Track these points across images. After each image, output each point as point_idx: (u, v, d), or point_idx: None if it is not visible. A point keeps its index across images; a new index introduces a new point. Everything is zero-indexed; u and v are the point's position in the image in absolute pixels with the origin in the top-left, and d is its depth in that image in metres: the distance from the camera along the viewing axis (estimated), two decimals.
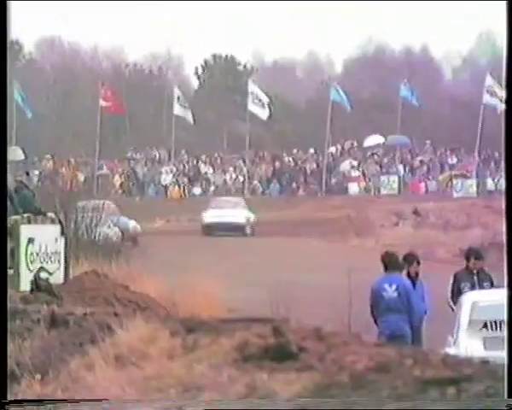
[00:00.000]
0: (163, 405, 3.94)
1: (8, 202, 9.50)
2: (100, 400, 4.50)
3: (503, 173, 36.50)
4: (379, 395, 3.59)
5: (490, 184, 36.45)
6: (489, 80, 36.13)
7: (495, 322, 8.92)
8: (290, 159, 40.07)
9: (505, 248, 4.39)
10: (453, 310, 9.82)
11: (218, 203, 31.31)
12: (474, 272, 10.16)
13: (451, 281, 10.26)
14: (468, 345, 8.71)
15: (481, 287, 10.03)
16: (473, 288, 10.03)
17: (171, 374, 4.59)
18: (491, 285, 10.11)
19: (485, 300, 9.37)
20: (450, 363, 3.78)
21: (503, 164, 37.37)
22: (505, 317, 9.35)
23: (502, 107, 35.59)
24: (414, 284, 9.72)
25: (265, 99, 37.74)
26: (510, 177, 4.31)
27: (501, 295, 9.51)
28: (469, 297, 9.55)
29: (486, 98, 35.78)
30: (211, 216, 30.22)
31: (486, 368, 3.66)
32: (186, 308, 10.49)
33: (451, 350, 8.70)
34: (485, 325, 8.91)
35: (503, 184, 38.58)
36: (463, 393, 3.40)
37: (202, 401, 3.81)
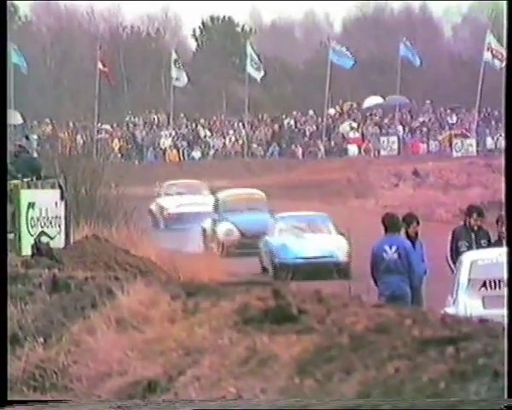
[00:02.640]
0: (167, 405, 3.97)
1: (9, 166, 9.48)
2: (103, 400, 4.54)
3: (502, 132, 36.48)
4: (379, 356, 3.62)
5: (489, 142, 36.36)
6: (490, 37, 35.86)
7: (494, 281, 8.97)
8: (289, 121, 39.93)
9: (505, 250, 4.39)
10: (451, 269, 9.84)
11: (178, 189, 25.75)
12: (474, 229, 10.12)
13: (450, 238, 10.21)
14: (468, 304, 8.77)
15: (479, 245, 10.02)
16: (471, 246, 10.01)
17: (171, 337, 4.62)
18: (489, 243, 10.11)
19: (484, 258, 9.40)
20: (449, 322, 3.81)
21: (503, 121, 37.29)
22: (504, 275, 9.38)
23: (502, 64, 35.39)
24: (413, 244, 9.73)
25: (259, 61, 37.63)
26: (510, 172, 4.30)
27: (499, 253, 9.57)
28: (468, 256, 9.58)
29: (487, 56, 35.52)
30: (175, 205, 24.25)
31: (485, 327, 3.69)
32: (187, 272, 10.54)
33: (451, 310, 8.76)
34: (484, 284, 8.95)
35: (502, 142, 38.58)
36: (462, 352, 3.43)
37: (197, 401, 3.84)
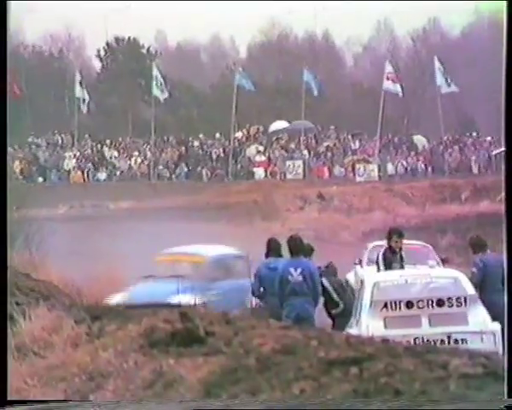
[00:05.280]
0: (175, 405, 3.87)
1: None
2: (105, 401, 4.39)
3: (402, 158, 37.56)
4: (284, 377, 3.65)
5: (390, 168, 37.40)
6: (388, 67, 37.04)
7: (395, 302, 9.20)
8: (196, 144, 39.97)
9: (505, 251, 4.50)
10: None
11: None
12: (396, 250, 10.37)
13: (381, 260, 10.39)
14: (370, 325, 8.95)
15: (402, 266, 10.28)
16: (393, 267, 10.25)
17: (74, 362, 4.53)
18: (413, 265, 10.40)
19: (386, 280, 9.64)
20: (353, 343, 3.88)
21: (403, 148, 38.43)
22: (405, 296, 9.65)
23: (399, 92, 36.50)
24: (396, 256, 10.03)
25: (164, 84, 37.67)
26: (510, 172, 4.42)
27: (400, 275, 9.83)
28: (371, 278, 9.80)
29: (387, 84, 36.64)
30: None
31: (387, 347, 3.78)
32: (91, 296, 10.34)
33: (353, 330, 8.92)
34: (385, 305, 9.17)
35: (401, 168, 39.64)
36: (365, 372, 3.50)
37: (205, 402, 3.76)
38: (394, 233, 10.51)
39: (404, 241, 10.55)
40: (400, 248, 10.36)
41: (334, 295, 10.24)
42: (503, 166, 4.54)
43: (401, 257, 10.34)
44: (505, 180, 4.42)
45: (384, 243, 10.63)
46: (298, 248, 9.50)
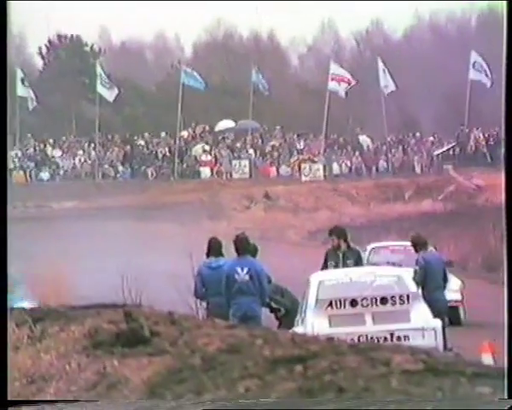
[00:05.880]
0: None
1: None
2: (106, 402, 4.29)
3: (346, 158, 37.95)
4: (229, 376, 3.65)
5: (335, 167, 37.75)
6: (333, 67, 37.38)
7: (339, 300, 9.29)
8: (142, 142, 39.69)
9: (505, 251, 4.53)
10: None
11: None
12: (341, 249, 10.46)
13: (323, 259, 10.51)
14: (315, 323, 9.02)
15: (345, 265, 10.35)
16: (337, 265, 10.33)
17: (15, 366, 4.46)
18: (356, 263, 10.47)
19: (330, 279, 9.72)
20: (298, 341, 3.91)
21: (348, 148, 38.84)
22: (349, 294, 9.76)
23: (343, 93, 36.91)
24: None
25: (110, 81, 37.28)
26: (510, 174, 4.44)
27: (345, 273, 9.92)
28: (316, 277, 9.87)
29: (332, 85, 36.97)
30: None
31: (331, 345, 3.81)
32: (34, 297, 10.18)
33: (299, 329, 8.98)
34: (330, 304, 9.25)
35: (346, 168, 40.00)
36: (310, 370, 3.53)
37: (202, 402, 3.70)
38: (333, 233, 10.64)
39: (390, 242, 10.46)
40: (339, 247, 10.45)
41: (273, 304, 10.28)
42: (503, 169, 4.61)
43: (344, 256, 10.43)
44: (505, 180, 4.48)
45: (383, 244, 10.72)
46: (244, 247, 9.51)
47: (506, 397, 3.38)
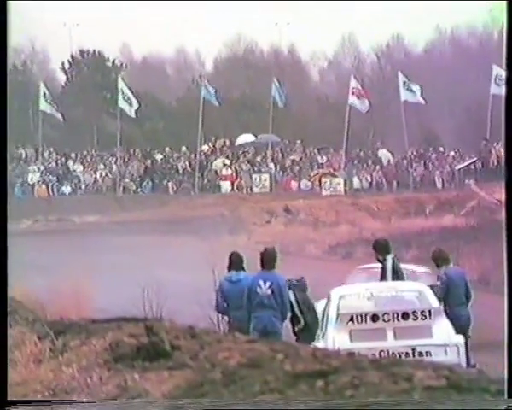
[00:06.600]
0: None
1: None
2: (107, 402, 4.31)
3: (366, 173, 37.87)
4: (250, 390, 3.64)
5: (356, 182, 37.66)
6: (353, 82, 37.36)
7: (361, 315, 9.24)
8: (162, 157, 39.85)
9: (505, 255, 4.51)
10: None
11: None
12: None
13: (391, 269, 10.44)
14: (336, 338, 8.98)
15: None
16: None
17: (37, 379, 4.47)
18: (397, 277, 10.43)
19: (351, 293, 9.68)
20: (319, 356, 3.88)
21: (369, 163, 38.80)
22: (370, 309, 9.73)
23: (366, 108, 36.87)
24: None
25: (132, 96, 37.56)
26: (510, 180, 4.43)
27: (366, 288, 9.88)
28: (337, 291, 9.83)
29: (352, 99, 36.94)
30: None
31: (352, 360, 3.79)
32: (55, 311, 10.23)
33: (320, 344, 8.94)
34: (351, 319, 9.21)
35: (366, 182, 39.93)
36: (331, 385, 3.51)
37: (203, 402, 3.71)
38: (376, 248, 10.53)
39: (406, 265, 10.54)
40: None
41: (297, 311, 10.24)
42: (503, 168, 4.59)
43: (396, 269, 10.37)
44: (505, 180, 4.45)
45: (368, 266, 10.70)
46: (271, 261, 9.49)
47: (506, 397, 3.35)
